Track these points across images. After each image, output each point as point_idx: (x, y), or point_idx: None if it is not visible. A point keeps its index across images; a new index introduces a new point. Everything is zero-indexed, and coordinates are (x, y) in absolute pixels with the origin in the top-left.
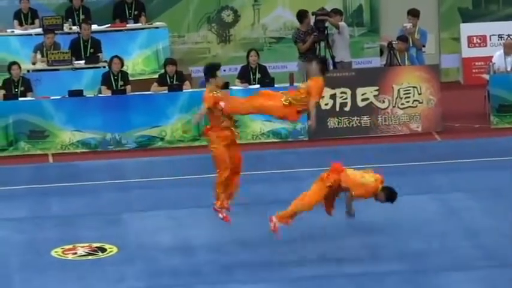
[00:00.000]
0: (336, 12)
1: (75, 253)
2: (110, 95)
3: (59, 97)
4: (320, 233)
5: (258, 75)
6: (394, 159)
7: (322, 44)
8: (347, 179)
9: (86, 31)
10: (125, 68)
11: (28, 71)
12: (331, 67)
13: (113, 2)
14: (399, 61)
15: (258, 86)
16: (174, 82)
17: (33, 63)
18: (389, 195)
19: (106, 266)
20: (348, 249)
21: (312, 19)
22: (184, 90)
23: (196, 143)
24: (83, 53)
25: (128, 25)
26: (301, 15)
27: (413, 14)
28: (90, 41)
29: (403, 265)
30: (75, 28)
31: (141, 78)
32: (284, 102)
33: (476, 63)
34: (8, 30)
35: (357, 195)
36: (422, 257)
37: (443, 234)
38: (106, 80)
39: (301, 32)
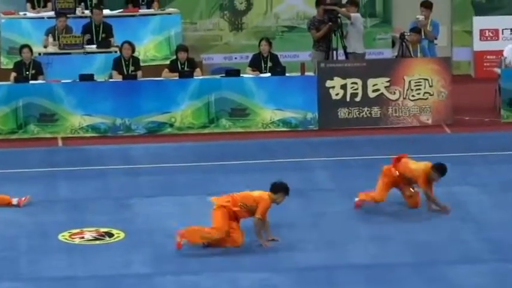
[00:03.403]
0: (352, 3)
1: (82, 237)
2: (120, 80)
3: (69, 81)
4: (328, 223)
5: (269, 64)
6: (403, 151)
7: (338, 34)
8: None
9: (98, 16)
10: (136, 54)
11: (40, 54)
12: (343, 57)
13: None
14: (411, 53)
15: (269, 74)
16: (185, 69)
17: (45, 47)
18: (440, 167)
19: (113, 251)
20: (356, 240)
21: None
22: (195, 77)
23: (206, 130)
24: (94, 38)
25: (140, 10)
26: (316, 2)
27: (426, 5)
28: (101, 25)
29: (412, 257)
30: (87, 12)
31: (152, 64)
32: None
33: (488, 57)
34: (21, 13)
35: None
36: (431, 249)
37: (452, 227)
38: (117, 65)
39: (315, 20)
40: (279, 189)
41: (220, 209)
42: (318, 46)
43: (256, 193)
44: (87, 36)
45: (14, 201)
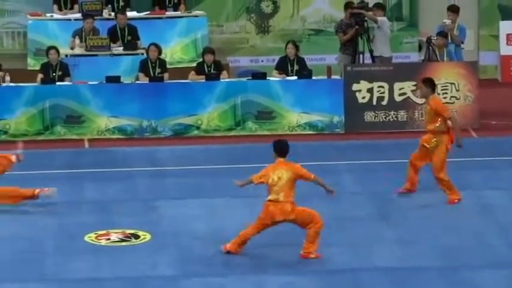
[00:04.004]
0: (378, 6)
1: (109, 239)
2: (147, 82)
3: (96, 82)
4: (353, 226)
5: (296, 67)
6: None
7: (364, 37)
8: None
9: (122, 20)
10: (163, 56)
11: (66, 55)
12: (370, 61)
13: None
14: (438, 57)
15: (295, 77)
16: (212, 71)
17: (72, 48)
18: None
19: (139, 252)
20: (381, 243)
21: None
22: (221, 80)
23: (232, 133)
24: (120, 41)
25: (167, 13)
26: (345, 6)
27: (453, 10)
28: (126, 28)
29: (437, 261)
30: (114, 14)
31: (179, 66)
32: None
33: None
34: (48, 15)
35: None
36: (457, 253)
37: (477, 231)
38: (144, 67)
39: (343, 23)
40: (287, 150)
41: (293, 206)
42: (344, 49)
43: (284, 174)
44: (118, 44)
45: (36, 191)
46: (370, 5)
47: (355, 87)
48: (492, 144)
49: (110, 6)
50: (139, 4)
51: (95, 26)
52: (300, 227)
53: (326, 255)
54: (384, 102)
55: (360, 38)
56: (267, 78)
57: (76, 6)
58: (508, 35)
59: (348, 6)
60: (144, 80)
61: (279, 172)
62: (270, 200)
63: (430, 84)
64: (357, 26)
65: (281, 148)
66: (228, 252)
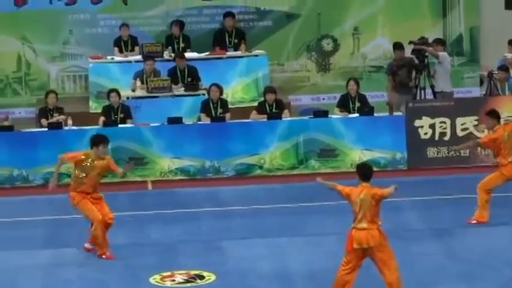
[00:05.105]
0: (438, 42)
1: (174, 280)
2: (209, 122)
3: (158, 124)
4: (418, 263)
5: (357, 104)
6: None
7: (425, 73)
8: None
9: (181, 63)
10: (224, 96)
11: (128, 97)
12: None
13: (213, 30)
14: (499, 91)
15: (357, 114)
16: (274, 110)
17: (133, 90)
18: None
19: None
20: (447, 280)
21: (409, 48)
22: (283, 119)
23: (295, 171)
24: (180, 82)
25: (227, 53)
26: (393, 46)
27: None
28: (186, 69)
29: None
30: (174, 56)
31: (240, 106)
32: None
33: None
34: (108, 57)
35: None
36: None
37: None
38: (205, 108)
39: (394, 64)
40: (370, 174)
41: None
42: (396, 88)
43: (367, 200)
44: (179, 85)
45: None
46: (430, 41)
47: (417, 123)
48: None
49: (170, 47)
50: (200, 45)
51: (155, 68)
52: (377, 266)
53: None
54: (446, 138)
55: (420, 74)
56: (329, 116)
57: (137, 48)
58: None
59: (396, 46)
60: (206, 120)
61: (362, 197)
62: (355, 228)
63: (493, 115)
64: (416, 62)
65: (364, 171)
66: None
